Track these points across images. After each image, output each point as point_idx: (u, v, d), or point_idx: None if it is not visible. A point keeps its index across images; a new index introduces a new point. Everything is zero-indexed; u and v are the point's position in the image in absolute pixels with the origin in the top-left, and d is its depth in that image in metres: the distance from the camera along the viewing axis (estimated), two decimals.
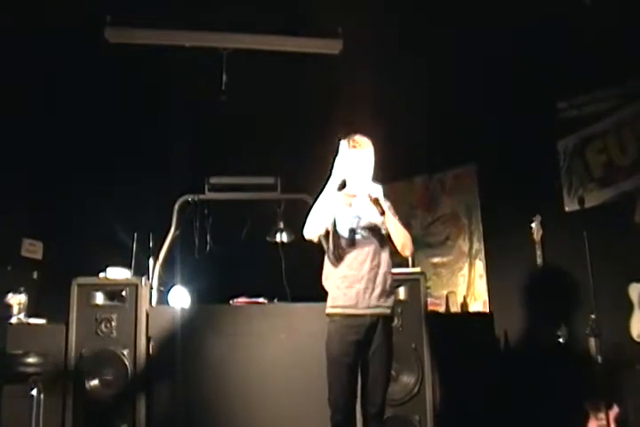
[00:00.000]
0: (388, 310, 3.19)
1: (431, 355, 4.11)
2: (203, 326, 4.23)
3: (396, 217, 3.29)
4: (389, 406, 3.99)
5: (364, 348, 3.15)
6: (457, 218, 5.67)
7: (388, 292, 3.20)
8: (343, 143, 3.20)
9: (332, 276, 3.26)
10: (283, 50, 4.70)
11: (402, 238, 3.22)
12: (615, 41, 4.26)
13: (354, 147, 3.24)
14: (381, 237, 3.23)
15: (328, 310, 3.23)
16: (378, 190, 3.15)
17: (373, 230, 3.22)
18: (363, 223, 3.23)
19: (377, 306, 3.15)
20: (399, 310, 4.13)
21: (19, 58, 4.60)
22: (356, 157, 3.24)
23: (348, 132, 3.30)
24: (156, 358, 4.13)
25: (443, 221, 5.78)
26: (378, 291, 3.16)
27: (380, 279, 3.18)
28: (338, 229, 3.25)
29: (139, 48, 4.57)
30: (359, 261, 3.19)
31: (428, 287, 4.41)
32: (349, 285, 3.17)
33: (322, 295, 3.75)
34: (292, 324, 4.18)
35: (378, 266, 3.19)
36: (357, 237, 3.22)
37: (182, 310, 4.34)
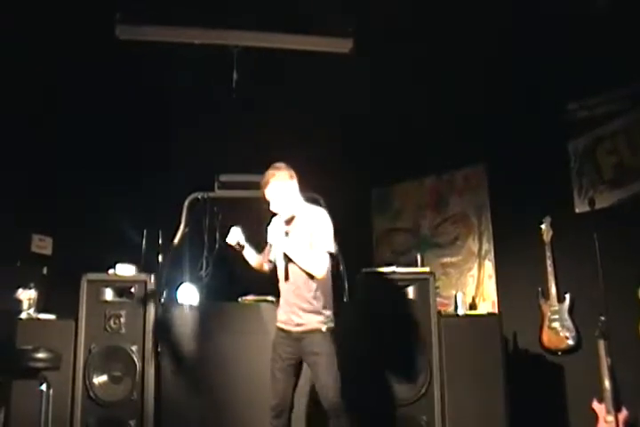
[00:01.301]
0: (311, 326, 3.42)
1: (439, 355, 4.11)
2: (211, 323, 4.24)
3: (313, 244, 3.45)
4: (397, 405, 4.01)
5: (303, 357, 3.43)
6: (466, 218, 5.65)
7: (311, 310, 3.43)
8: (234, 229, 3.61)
9: None
10: (293, 48, 4.69)
11: (302, 267, 3.43)
12: (627, 42, 4.25)
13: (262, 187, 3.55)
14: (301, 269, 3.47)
15: None
16: (276, 233, 3.48)
17: (288, 257, 3.48)
18: (281, 258, 3.52)
19: (300, 324, 3.44)
20: (408, 310, 4.16)
21: (22, 57, 4.60)
22: (265, 196, 3.55)
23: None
24: (165, 355, 4.14)
25: (452, 222, 5.76)
26: (300, 311, 3.44)
27: (299, 300, 3.45)
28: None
29: (148, 45, 4.57)
30: (283, 284, 3.53)
31: (437, 287, 4.40)
32: (281, 305, 3.56)
33: None
34: None
35: (298, 288, 3.46)
36: (278, 263, 3.56)
37: (191, 307, 4.35)
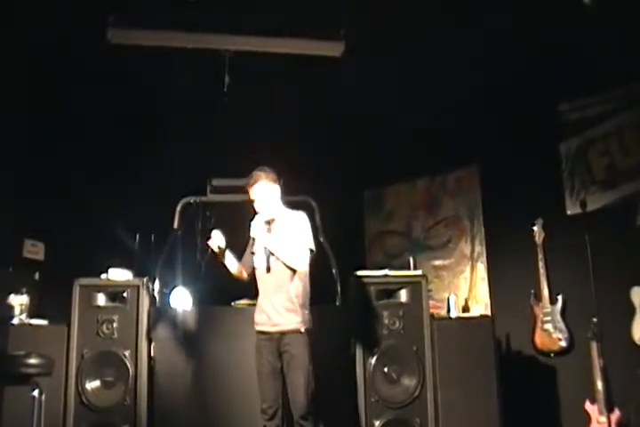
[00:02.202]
0: (291, 326, 3.49)
1: (432, 358, 4.11)
2: (204, 327, 4.23)
3: (295, 238, 3.56)
4: (391, 408, 4.02)
5: (280, 358, 3.50)
6: (459, 221, 5.66)
7: (292, 309, 3.51)
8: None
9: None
10: (284, 52, 4.70)
11: (284, 259, 3.53)
12: (618, 43, 4.27)
13: (248, 187, 3.71)
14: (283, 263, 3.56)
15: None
16: (258, 227, 3.60)
17: (274, 257, 3.57)
18: (262, 252, 3.60)
19: (278, 324, 3.50)
20: (400, 313, 4.16)
21: (20, 58, 4.60)
22: (251, 195, 3.69)
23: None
24: (158, 360, 4.13)
25: (445, 224, 5.77)
26: (281, 309, 3.51)
27: (281, 297, 3.52)
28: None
29: (141, 49, 4.57)
30: (264, 281, 3.60)
31: (429, 290, 4.41)
32: (259, 305, 3.62)
33: (322, 297, 3.78)
34: None
35: (280, 286, 3.54)
36: (258, 259, 3.61)
37: (184, 311, 4.34)
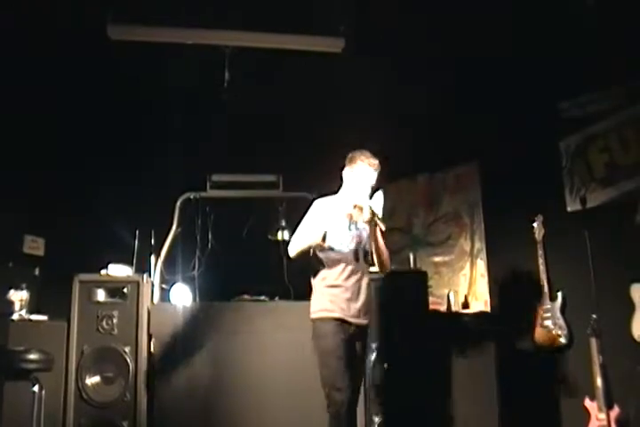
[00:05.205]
0: (367, 320, 3.46)
1: (432, 354, 4.12)
2: (204, 323, 4.24)
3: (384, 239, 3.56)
4: None
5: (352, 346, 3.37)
6: (459, 217, 5.66)
7: (368, 302, 3.46)
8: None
9: (321, 284, 3.43)
10: (285, 48, 4.69)
11: (384, 256, 3.53)
12: (618, 40, 4.26)
13: (370, 165, 3.52)
14: (366, 253, 3.50)
15: (319, 314, 3.36)
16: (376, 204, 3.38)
17: (361, 246, 3.49)
18: (353, 238, 3.49)
19: (360, 316, 3.39)
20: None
21: (18, 56, 4.59)
22: (368, 175, 3.52)
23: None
24: (158, 356, 4.13)
25: (445, 221, 5.77)
26: (360, 303, 3.40)
27: (367, 294, 3.44)
28: (330, 241, 3.44)
29: (140, 45, 4.56)
30: (356, 275, 3.43)
31: (429, 286, 4.41)
32: (344, 298, 3.37)
33: None
34: (293, 322, 4.18)
35: (366, 280, 3.46)
36: (346, 250, 3.44)
37: (184, 307, 4.35)
